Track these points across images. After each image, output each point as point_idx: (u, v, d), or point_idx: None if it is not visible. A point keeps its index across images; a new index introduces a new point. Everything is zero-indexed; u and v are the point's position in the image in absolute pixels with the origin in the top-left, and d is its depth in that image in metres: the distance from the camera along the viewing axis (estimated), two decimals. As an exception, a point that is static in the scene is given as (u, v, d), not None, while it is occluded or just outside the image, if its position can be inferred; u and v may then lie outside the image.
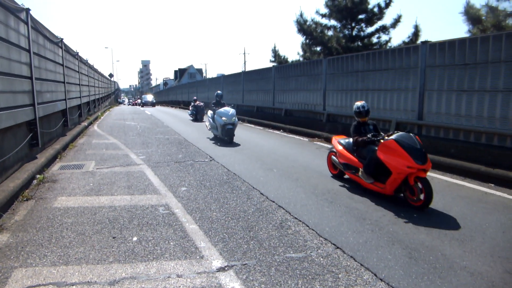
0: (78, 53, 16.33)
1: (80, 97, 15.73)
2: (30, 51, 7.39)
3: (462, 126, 7.56)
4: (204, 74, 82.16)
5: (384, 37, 18.47)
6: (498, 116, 6.91)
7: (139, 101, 60.23)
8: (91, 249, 3.70)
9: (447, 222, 4.43)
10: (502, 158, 6.51)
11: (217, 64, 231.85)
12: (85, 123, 15.57)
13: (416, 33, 16.72)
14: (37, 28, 8.50)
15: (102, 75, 34.30)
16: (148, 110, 33.02)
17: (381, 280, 3.12)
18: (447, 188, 6.00)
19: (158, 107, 42.10)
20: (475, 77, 7.31)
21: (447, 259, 3.49)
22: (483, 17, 13.89)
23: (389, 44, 18.28)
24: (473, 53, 7.35)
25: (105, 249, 3.70)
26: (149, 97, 51.62)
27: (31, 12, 7.53)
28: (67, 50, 13.45)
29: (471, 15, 14.00)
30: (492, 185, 6.13)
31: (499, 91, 6.88)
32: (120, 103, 67.52)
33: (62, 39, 11.87)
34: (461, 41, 7.64)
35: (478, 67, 7.26)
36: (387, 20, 20.45)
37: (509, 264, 3.40)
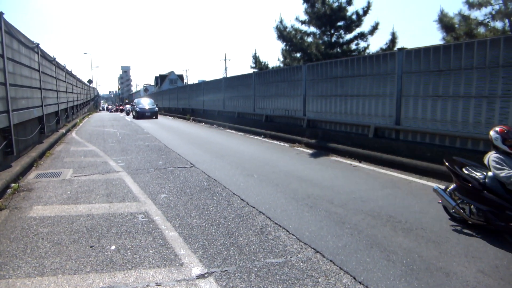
0: (55, 58, 16.01)
1: (57, 103, 15.40)
2: (4, 56, 7.22)
3: (438, 130, 7.76)
4: (185, 80, 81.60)
5: (362, 44, 18.80)
6: (471, 121, 7.13)
7: (128, 107, 39.21)
8: (68, 259, 3.61)
9: (423, 225, 4.53)
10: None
11: (198, 70, 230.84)
12: (63, 130, 15.25)
13: (393, 40, 17.08)
14: (11, 32, 8.31)
15: (80, 81, 33.71)
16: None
17: (360, 283, 3.15)
18: (423, 191, 6.14)
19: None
20: (449, 83, 7.53)
21: (424, 260, 3.57)
22: (456, 25, 14.37)
23: (367, 51, 18.60)
24: (447, 60, 7.57)
25: (82, 259, 3.62)
26: (146, 102, 30.21)
27: (4, 16, 7.37)
28: (44, 55, 13.18)
29: (445, 23, 14.46)
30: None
31: (472, 97, 7.10)
32: (104, 109, 65.02)
33: (38, 44, 11.62)
34: (436, 48, 7.87)
35: (452, 73, 7.49)
36: (365, 27, 20.91)
37: (482, 263, 3.50)
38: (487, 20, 14.37)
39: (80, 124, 21.77)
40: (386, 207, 5.22)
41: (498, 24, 14.39)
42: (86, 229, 4.42)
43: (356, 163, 8.64)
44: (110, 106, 71.29)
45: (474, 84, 7.08)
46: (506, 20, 14.02)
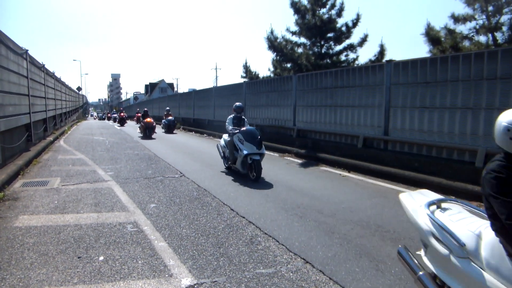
0: (44, 65, 15.89)
1: (45, 110, 15.24)
2: (-8, 63, 7.15)
3: (425, 141, 7.89)
4: (175, 89, 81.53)
5: (351, 55, 19.08)
6: (457, 131, 7.27)
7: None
8: (55, 270, 3.56)
9: (411, 235, 4.58)
10: (461, 171, 6.82)
11: (189, 79, 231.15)
12: (50, 138, 15.07)
13: (381, 52, 17.35)
14: (0, 38, 8.24)
15: (69, 88, 33.43)
16: None
17: (349, 293, 3.17)
18: (411, 201, 6.20)
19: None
20: (436, 94, 7.68)
21: (412, 271, 3.60)
22: (443, 39, 14.68)
23: (356, 62, 18.86)
24: (434, 72, 7.73)
25: (70, 270, 3.57)
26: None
27: (-6, 24, 7.31)
28: (32, 62, 13.07)
29: (431, 36, 14.76)
30: (453, 197, 6.38)
31: (458, 108, 7.25)
32: (93, 116, 61.88)
33: (27, 50, 11.54)
34: (423, 60, 8.03)
35: (438, 85, 7.64)
36: (354, 39, 21.16)
37: (469, 274, 3.54)
38: (472, 34, 14.74)
39: (69, 132, 21.54)
40: (374, 217, 5.27)
41: (482, 38, 14.78)
42: (74, 240, 4.36)
43: (345, 173, 8.71)
44: (100, 114, 67.09)
45: (459, 96, 7.23)
46: (489, 35, 14.40)
